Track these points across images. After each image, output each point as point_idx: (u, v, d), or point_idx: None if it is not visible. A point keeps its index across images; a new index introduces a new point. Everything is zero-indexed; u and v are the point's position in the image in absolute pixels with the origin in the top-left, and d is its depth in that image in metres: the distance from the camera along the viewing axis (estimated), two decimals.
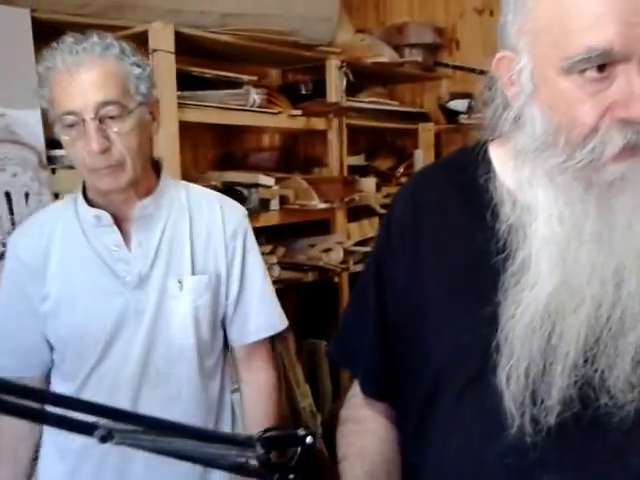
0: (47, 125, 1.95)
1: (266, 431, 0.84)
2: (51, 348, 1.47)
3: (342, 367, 1.18)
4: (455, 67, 3.37)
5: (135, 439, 0.77)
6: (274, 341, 1.63)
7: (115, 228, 1.42)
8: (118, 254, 1.42)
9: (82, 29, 2.09)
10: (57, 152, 1.93)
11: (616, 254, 0.84)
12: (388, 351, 1.06)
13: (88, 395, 1.43)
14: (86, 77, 1.31)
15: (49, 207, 1.57)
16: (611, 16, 0.79)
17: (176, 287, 1.44)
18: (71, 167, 1.90)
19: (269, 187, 2.38)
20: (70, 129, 1.33)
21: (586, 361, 0.85)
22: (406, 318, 1.02)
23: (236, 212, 1.56)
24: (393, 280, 1.05)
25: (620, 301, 0.84)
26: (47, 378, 1.51)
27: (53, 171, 1.83)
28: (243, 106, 2.36)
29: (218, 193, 1.62)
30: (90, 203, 1.43)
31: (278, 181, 2.48)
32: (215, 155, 2.76)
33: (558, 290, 0.86)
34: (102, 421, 0.74)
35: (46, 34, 2.07)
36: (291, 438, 0.87)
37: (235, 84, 2.39)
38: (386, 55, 3.07)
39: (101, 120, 1.31)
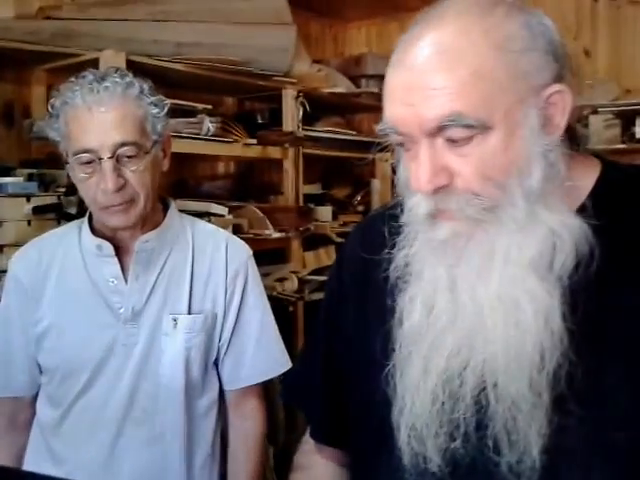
0: None
1: None
2: (41, 371, 1.46)
3: (296, 408, 1.20)
4: None
5: None
6: (271, 383, 1.60)
7: (115, 259, 1.41)
8: (114, 286, 1.42)
9: (30, 56, 2.10)
10: None
11: (467, 306, 0.85)
12: (336, 398, 1.06)
13: (71, 424, 1.43)
14: (106, 117, 1.31)
15: (53, 231, 1.56)
16: (394, 96, 0.83)
17: (170, 324, 1.42)
18: (9, 195, 1.87)
19: (222, 216, 2.37)
20: (85, 166, 1.33)
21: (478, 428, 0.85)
22: (351, 369, 1.02)
23: (241, 253, 1.56)
24: (341, 328, 1.05)
25: (484, 363, 0.83)
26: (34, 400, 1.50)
27: None
28: (197, 135, 2.35)
29: (225, 231, 1.64)
30: (94, 231, 1.44)
31: (232, 210, 2.47)
32: (167, 182, 2.72)
33: (414, 330, 0.88)
34: None
35: None
36: None
37: (189, 112, 2.39)
38: (343, 86, 3.10)
39: (118, 159, 1.32)
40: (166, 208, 1.51)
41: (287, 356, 1.58)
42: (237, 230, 2.45)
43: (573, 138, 0.91)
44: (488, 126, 0.80)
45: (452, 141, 0.81)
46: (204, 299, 1.47)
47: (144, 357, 1.41)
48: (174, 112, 2.33)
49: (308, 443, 1.14)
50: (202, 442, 1.48)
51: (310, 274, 2.83)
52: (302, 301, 2.73)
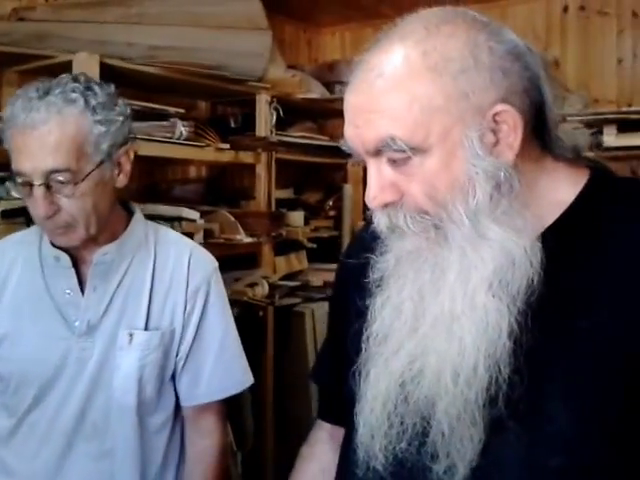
0: None
1: None
2: None
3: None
4: None
5: None
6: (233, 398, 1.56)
7: (72, 271, 1.37)
8: (70, 298, 1.37)
9: (2, 57, 2.07)
10: None
11: (425, 317, 0.88)
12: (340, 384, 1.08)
13: (23, 435, 1.39)
14: (39, 141, 1.24)
15: (15, 235, 1.51)
16: (346, 116, 0.88)
17: (126, 339, 1.38)
18: None
19: (193, 221, 2.36)
20: (21, 187, 1.29)
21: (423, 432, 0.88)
22: (341, 364, 1.05)
23: (204, 266, 1.49)
24: (341, 324, 1.08)
25: (432, 375, 0.86)
26: None
27: None
28: (169, 139, 2.34)
29: (191, 241, 1.57)
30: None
31: (203, 214, 2.46)
32: (138, 186, 2.71)
33: (380, 333, 0.92)
34: None
35: None
36: None
37: (162, 116, 2.37)
38: (317, 91, 3.11)
39: (50, 185, 1.25)
40: (131, 214, 1.47)
41: (248, 373, 1.54)
42: (208, 235, 2.45)
43: (556, 149, 0.92)
44: (423, 149, 0.83)
45: (393, 161, 0.85)
46: (162, 314, 1.42)
47: (98, 372, 1.37)
48: (147, 115, 2.35)
49: (319, 422, 1.21)
50: (153, 457, 1.45)
51: (281, 279, 2.83)
52: (272, 306, 2.73)
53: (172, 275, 1.44)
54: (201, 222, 2.41)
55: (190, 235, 2.34)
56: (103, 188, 1.33)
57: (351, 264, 1.05)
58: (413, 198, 0.86)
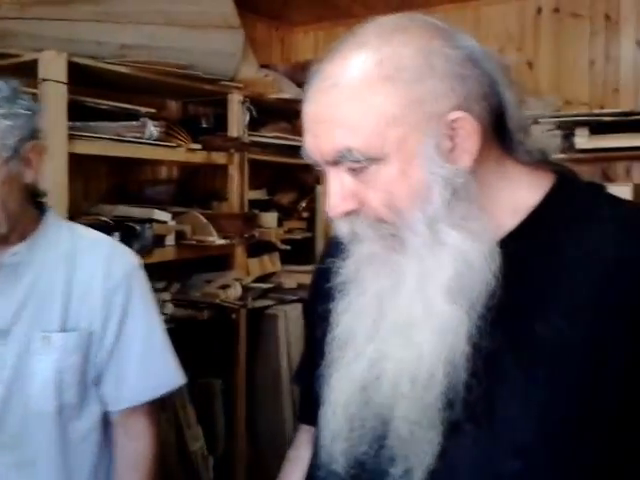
0: None
1: None
2: None
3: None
4: None
5: None
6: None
7: None
8: None
9: None
10: None
11: (385, 322, 0.88)
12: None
13: None
14: None
15: None
16: (305, 125, 0.88)
17: (40, 343, 1.32)
18: None
19: (164, 222, 2.32)
20: None
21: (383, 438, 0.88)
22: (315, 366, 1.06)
23: (124, 263, 1.43)
24: (313, 328, 1.08)
25: (392, 379, 0.86)
26: None
27: None
28: (139, 139, 2.30)
29: (110, 239, 1.51)
30: None
31: (175, 216, 2.42)
32: (108, 187, 2.68)
33: (342, 338, 0.92)
34: None
35: None
36: None
37: (132, 116, 2.33)
38: (290, 91, 3.08)
39: None
40: (44, 213, 1.41)
41: (178, 373, 1.49)
42: (180, 237, 2.42)
43: (520, 153, 0.92)
44: (379, 158, 0.83)
45: (352, 170, 0.85)
46: (79, 316, 1.37)
47: (13, 379, 1.32)
48: (117, 115, 2.31)
49: (302, 425, 1.21)
50: (81, 466, 1.40)
51: (254, 281, 2.81)
52: (245, 308, 2.70)
53: (90, 275, 1.39)
54: (172, 224, 2.38)
55: (161, 237, 2.31)
56: (11, 185, 1.28)
57: (321, 269, 1.05)
58: (372, 207, 0.86)
